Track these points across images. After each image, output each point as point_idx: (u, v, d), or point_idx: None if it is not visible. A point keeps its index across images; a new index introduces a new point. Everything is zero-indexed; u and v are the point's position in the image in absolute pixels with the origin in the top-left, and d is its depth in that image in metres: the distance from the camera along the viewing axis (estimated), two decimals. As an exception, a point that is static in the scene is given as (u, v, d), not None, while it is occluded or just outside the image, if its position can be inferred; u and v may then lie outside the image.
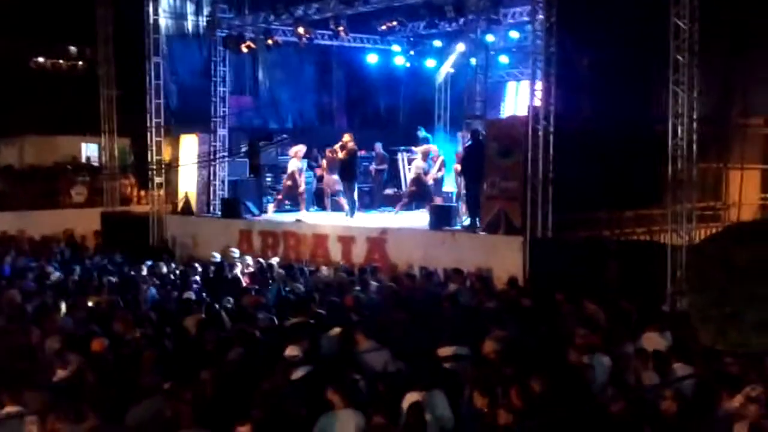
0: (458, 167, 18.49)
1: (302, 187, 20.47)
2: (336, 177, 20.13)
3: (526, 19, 17.54)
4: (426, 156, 20.07)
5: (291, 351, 9.09)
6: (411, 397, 7.67)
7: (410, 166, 21.13)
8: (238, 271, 16.13)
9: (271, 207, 20.87)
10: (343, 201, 19.77)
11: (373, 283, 14.49)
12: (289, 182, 20.41)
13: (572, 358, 9.02)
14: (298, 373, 8.59)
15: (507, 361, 8.71)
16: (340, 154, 19.45)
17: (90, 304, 12.96)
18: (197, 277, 15.54)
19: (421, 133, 22.96)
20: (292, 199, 20.79)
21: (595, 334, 9.90)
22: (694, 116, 13.47)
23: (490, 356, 9.14)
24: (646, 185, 15.13)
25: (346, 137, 19.49)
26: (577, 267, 13.87)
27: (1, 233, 22.25)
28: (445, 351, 9.44)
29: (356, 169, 19.69)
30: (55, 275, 15.98)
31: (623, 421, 7.37)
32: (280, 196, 20.95)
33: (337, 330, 10.26)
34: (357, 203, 19.63)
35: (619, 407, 7.45)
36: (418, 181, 19.57)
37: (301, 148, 20.54)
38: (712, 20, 13.78)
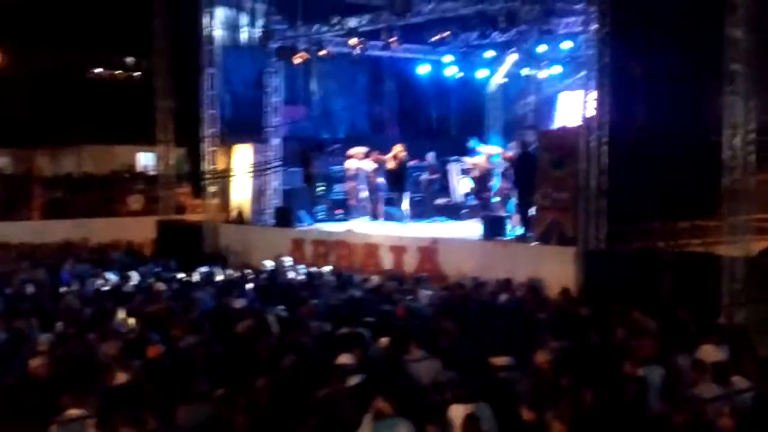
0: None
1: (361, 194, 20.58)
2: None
3: (579, 29, 17.46)
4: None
5: (344, 359, 9.15)
6: (457, 409, 7.67)
7: (464, 175, 21.20)
8: (290, 278, 16.27)
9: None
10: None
11: (425, 293, 14.50)
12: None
13: (627, 370, 8.95)
14: (351, 382, 8.64)
15: (561, 371, 8.66)
16: (391, 164, 19.49)
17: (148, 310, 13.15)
18: (250, 285, 15.70)
19: (473, 143, 22.95)
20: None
21: (650, 345, 9.80)
22: (751, 126, 13.28)
23: (543, 366, 9.10)
24: (702, 196, 14.90)
25: (398, 147, 19.54)
26: (631, 279, 13.74)
27: (62, 241, 22.70)
28: (498, 360, 9.44)
29: (407, 180, 19.61)
30: (113, 281, 16.28)
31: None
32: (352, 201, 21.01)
33: (388, 339, 10.30)
34: (407, 213, 19.54)
35: (682, 419, 7.34)
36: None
37: (359, 150, 20.57)
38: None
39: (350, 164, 20.56)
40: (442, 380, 8.88)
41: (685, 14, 14.57)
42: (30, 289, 15.53)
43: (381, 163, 20.18)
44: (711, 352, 9.83)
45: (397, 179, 19.50)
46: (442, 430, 7.45)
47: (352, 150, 20.71)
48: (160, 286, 15.54)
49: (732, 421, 7.43)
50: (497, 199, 19.61)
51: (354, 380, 8.70)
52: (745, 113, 13.22)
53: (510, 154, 18.97)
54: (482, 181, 19.68)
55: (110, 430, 7.45)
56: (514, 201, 18.06)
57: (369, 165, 20.44)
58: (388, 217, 20.30)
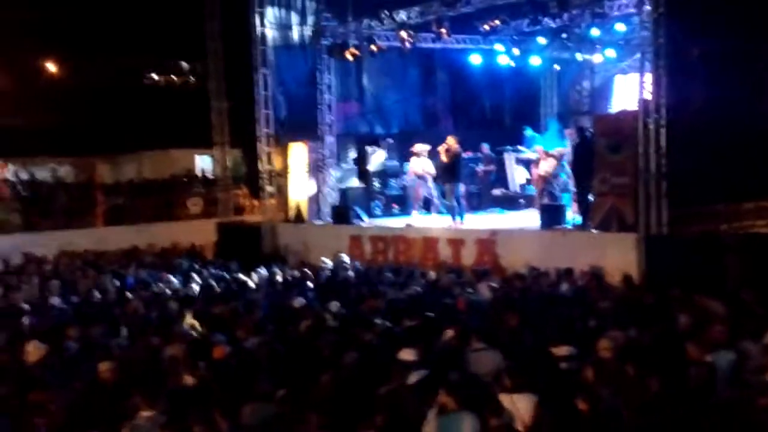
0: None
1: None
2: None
3: (632, 10, 17.20)
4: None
5: (406, 355, 9.13)
6: (519, 399, 7.61)
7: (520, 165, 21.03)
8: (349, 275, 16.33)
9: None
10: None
11: (485, 285, 14.41)
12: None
13: (693, 355, 8.78)
14: (413, 377, 8.62)
15: (625, 359, 8.53)
16: (444, 157, 19.26)
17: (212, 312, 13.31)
18: (310, 283, 15.78)
19: (528, 132, 22.77)
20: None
21: (719, 330, 9.60)
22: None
23: (605, 355, 8.97)
24: (764, 176, 14.59)
25: (450, 140, 19.35)
26: (695, 263, 13.50)
27: (125, 247, 23.09)
28: (560, 350, 9.34)
29: (460, 172, 19.37)
30: (176, 285, 16.52)
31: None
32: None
33: (450, 333, 10.27)
34: (462, 206, 19.37)
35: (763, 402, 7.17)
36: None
37: (423, 147, 20.40)
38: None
39: (415, 166, 20.35)
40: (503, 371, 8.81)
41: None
42: (96, 295, 15.83)
43: (434, 156, 19.98)
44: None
45: (450, 171, 19.23)
46: (505, 421, 7.40)
47: (416, 147, 20.45)
48: (222, 286, 15.74)
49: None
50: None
51: (416, 376, 8.68)
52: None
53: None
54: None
55: (181, 430, 7.55)
56: (571, 189, 17.83)
57: (429, 166, 20.23)
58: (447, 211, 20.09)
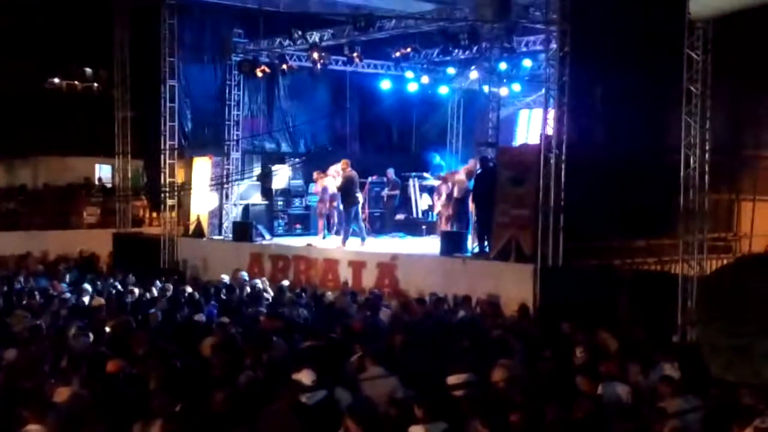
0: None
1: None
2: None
3: (539, 48, 17.66)
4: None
5: (304, 376, 9.07)
6: (433, 428, 7.68)
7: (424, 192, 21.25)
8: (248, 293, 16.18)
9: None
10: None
11: (383, 308, 14.48)
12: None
13: (583, 387, 9.00)
14: (313, 398, 8.59)
15: (515, 389, 8.69)
16: (338, 182, 19.31)
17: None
18: (207, 299, 15.57)
19: (437, 159, 23.05)
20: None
21: (609, 362, 9.87)
22: (707, 147, 13.50)
23: (498, 384, 9.12)
24: (658, 215, 15.12)
25: (343, 163, 19.47)
26: (588, 296, 13.86)
27: (16, 253, 22.34)
28: (454, 379, 9.43)
29: (352, 196, 19.20)
30: (67, 295, 16.05)
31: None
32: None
33: (354, 356, 10.26)
34: (358, 230, 19.34)
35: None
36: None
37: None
38: (725, 51, 13.81)
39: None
40: (400, 398, 8.85)
41: (644, 36, 14.80)
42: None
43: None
44: (667, 370, 9.95)
45: (344, 195, 19.28)
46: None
47: (331, 169, 20.38)
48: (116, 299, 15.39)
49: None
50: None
51: (315, 397, 8.65)
52: (701, 134, 13.43)
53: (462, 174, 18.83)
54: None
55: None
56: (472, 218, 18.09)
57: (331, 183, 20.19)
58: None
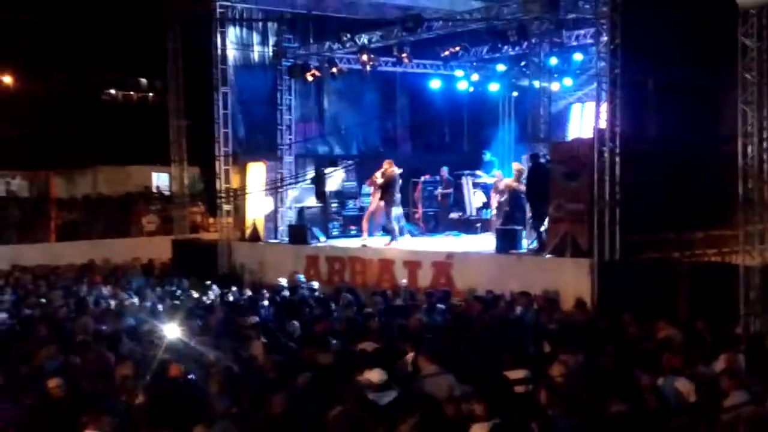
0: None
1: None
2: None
3: (589, 41, 17.51)
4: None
5: (373, 376, 9.10)
6: (479, 429, 7.68)
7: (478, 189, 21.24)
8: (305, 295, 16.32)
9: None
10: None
11: (439, 307, 14.50)
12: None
13: (644, 381, 8.91)
14: (384, 399, 8.64)
15: (576, 384, 8.64)
16: (379, 180, 19.40)
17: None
18: (265, 302, 15.73)
19: (487, 156, 22.98)
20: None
21: (671, 356, 9.75)
22: (764, 135, 13.24)
23: (557, 379, 9.07)
24: (716, 206, 14.87)
25: (386, 164, 19.53)
26: (647, 290, 13.72)
27: (78, 263, 22.78)
28: (515, 374, 9.41)
29: (394, 195, 19.31)
30: (130, 301, 16.36)
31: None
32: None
33: (409, 356, 10.29)
34: (401, 228, 19.46)
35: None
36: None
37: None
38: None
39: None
40: (458, 395, 8.85)
41: (696, 24, 14.58)
42: (45, 310, 15.64)
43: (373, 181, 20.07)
44: (729, 361, 9.80)
45: (385, 194, 19.34)
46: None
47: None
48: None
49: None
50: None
51: (387, 397, 8.70)
52: (759, 122, 13.18)
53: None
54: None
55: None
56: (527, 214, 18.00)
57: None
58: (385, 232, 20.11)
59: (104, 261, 23.24)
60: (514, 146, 23.17)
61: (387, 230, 19.50)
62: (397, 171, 19.66)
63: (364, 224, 20.12)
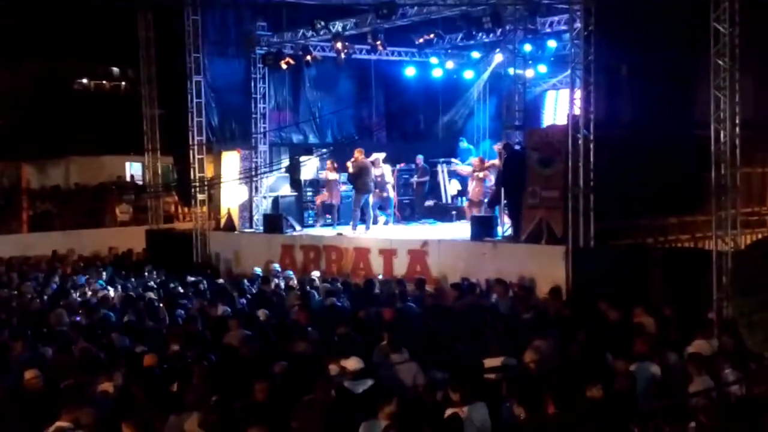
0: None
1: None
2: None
3: (563, 28, 17.52)
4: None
5: (350, 364, 9.10)
6: (473, 409, 7.72)
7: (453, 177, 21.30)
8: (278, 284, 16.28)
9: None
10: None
11: (415, 295, 14.51)
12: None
13: (618, 367, 8.97)
14: (359, 387, 8.65)
15: (548, 370, 8.68)
16: (351, 169, 19.46)
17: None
18: (240, 292, 15.68)
19: (463, 144, 22.97)
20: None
21: (642, 341, 9.82)
22: (737, 121, 13.33)
23: (530, 366, 9.12)
24: (689, 191, 14.97)
25: (356, 152, 19.58)
26: (621, 276, 13.78)
27: (51, 253, 22.62)
28: (491, 362, 9.45)
29: (364, 183, 19.32)
30: (103, 293, 16.24)
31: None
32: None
33: (383, 342, 10.31)
34: (368, 216, 19.51)
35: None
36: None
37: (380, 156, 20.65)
38: (753, 23, 13.62)
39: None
40: (422, 383, 8.91)
41: (669, 11, 14.62)
42: (17, 302, 15.51)
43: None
44: (702, 347, 9.89)
45: (354, 182, 19.42)
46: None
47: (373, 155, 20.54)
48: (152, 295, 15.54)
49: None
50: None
51: (363, 385, 8.71)
52: (731, 107, 13.26)
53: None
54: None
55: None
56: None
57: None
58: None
59: (76, 252, 23.04)
60: (489, 133, 23.18)
61: (356, 217, 19.43)
62: (378, 156, 19.89)
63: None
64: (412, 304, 13.80)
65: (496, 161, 18.72)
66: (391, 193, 21.08)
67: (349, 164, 19.56)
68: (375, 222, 19.86)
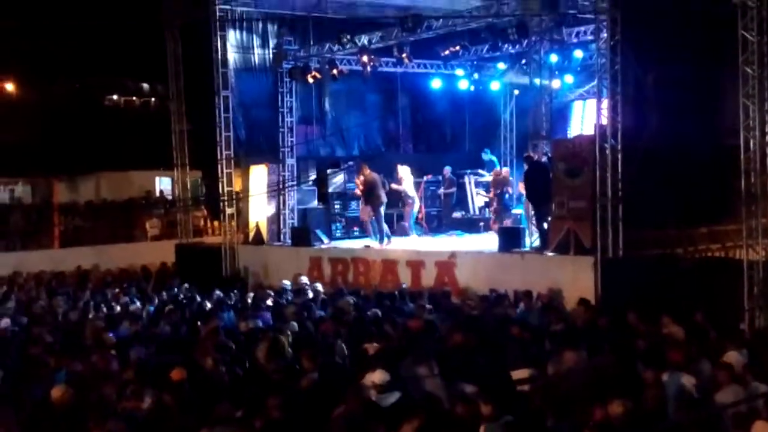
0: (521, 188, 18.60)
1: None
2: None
3: (590, 38, 17.46)
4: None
5: (377, 377, 9.09)
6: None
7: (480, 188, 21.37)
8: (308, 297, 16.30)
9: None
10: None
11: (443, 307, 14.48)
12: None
13: (648, 377, 8.88)
14: (387, 400, 8.63)
15: (578, 382, 8.62)
16: (360, 186, 19.60)
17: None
18: (269, 302, 15.72)
19: (486, 155, 22.94)
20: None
21: (674, 352, 9.72)
22: (766, 129, 13.21)
23: (558, 377, 9.06)
24: (719, 200, 14.84)
25: (364, 169, 19.70)
26: (651, 286, 13.67)
27: (81, 268, 22.83)
28: (519, 374, 9.40)
29: (377, 197, 19.44)
30: (134, 307, 16.36)
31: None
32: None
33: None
34: (385, 230, 19.60)
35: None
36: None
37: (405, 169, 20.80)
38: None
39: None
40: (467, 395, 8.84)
41: (696, 19, 14.54)
42: (51, 317, 15.65)
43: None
44: (733, 357, 9.76)
45: (368, 198, 19.56)
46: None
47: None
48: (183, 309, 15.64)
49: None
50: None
51: (391, 398, 8.69)
52: (761, 115, 13.15)
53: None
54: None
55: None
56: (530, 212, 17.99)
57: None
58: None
59: (107, 266, 23.24)
60: (515, 145, 23.10)
61: (379, 232, 19.52)
62: (401, 170, 20.09)
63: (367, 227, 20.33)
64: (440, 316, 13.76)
65: (505, 170, 18.73)
66: (416, 206, 21.09)
67: (357, 182, 19.72)
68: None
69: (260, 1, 21.61)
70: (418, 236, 20.93)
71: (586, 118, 21.87)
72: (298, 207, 21.81)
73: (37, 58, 30.85)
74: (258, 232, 22.00)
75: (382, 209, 19.63)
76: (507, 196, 20.24)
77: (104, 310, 16.16)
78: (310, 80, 21.19)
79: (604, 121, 14.89)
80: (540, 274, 15.42)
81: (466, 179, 22.24)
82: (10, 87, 33.27)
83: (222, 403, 8.68)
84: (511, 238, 17.10)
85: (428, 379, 9.33)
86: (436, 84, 22.84)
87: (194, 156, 23.96)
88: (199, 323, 13.87)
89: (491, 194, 20.08)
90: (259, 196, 21.96)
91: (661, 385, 8.67)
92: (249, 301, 16.75)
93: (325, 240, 20.69)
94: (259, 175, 22.20)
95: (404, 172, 20.85)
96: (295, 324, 13.07)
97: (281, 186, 21.82)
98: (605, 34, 14.97)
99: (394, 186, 20.46)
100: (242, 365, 10.80)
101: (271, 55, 22.33)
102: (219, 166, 21.86)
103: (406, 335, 11.84)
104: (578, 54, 19.42)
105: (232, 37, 22.03)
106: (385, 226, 19.67)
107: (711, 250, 15.51)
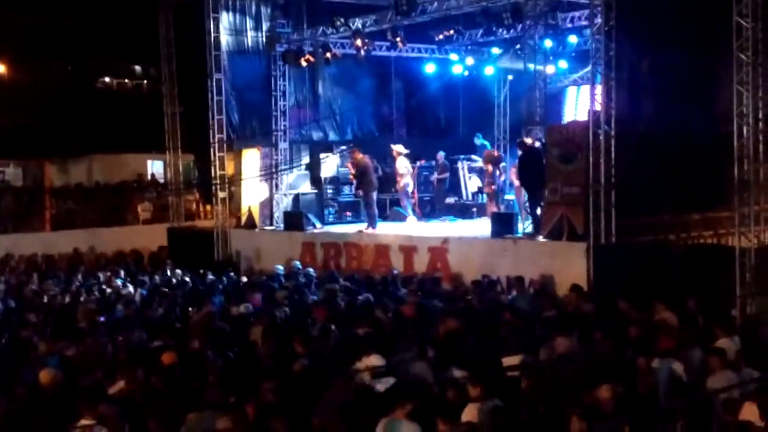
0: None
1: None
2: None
3: (584, 23, 17.40)
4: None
5: (372, 361, 9.08)
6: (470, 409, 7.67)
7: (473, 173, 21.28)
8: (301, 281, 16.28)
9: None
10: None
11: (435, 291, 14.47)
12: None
13: (640, 364, 8.89)
14: (381, 386, 8.63)
15: (570, 368, 8.62)
16: (352, 170, 19.51)
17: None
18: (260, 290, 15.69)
19: (479, 140, 22.87)
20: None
21: (665, 338, 9.72)
22: (760, 116, 13.18)
23: (548, 363, 9.06)
24: (712, 187, 14.81)
25: (355, 153, 19.65)
26: (643, 272, 13.66)
27: (73, 251, 22.78)
28: (510, 360, 9.40)
29: (370, 181, 19.48)
30: (126, 290, 16.33)
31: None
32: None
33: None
34: (377, 214, 19.63)
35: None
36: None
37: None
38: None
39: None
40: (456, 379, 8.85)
41: (691, 6, 14.49)
42: (42, 300, 15.60)
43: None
44: (724, 344, 9.77)
45: (360, 182, 19.56)
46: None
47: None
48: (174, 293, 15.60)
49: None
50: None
51: (385, 384, 8.69)
52: (754, 103, 13.12)
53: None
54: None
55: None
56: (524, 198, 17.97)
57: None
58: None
59: (98, 250, 23.18)
60: (509, 130, 23.06)
61: (368, 216, 19.52)
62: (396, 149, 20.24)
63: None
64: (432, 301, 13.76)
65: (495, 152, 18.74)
66: (409, 188, 21.05)
67: (349, 165, 19.68)
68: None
69: (253, -16, 21.51)
70: (417, 220, 20.85)
71: (580, 103, 21.82)
72: (291, 191, 21.74)
73: (29, 40, 30.63)
74: (250, 216, 21.95)
75: (374, 194, 19.58)
76: (498, 174, 20.07)
77: (96, 293, 16.13)
78: (304, 64, 21.08)
79: (598, 107, 14.84)
80: (532, 260, 15.42)
81: (459, 165, 22.19)
82: (1, 69, 33.05)
83: (212, 388, 8.68)
84: (503, 224, 17.09)
85: (419, 364, 9.32)
86: (430, 68, 22.74)
87: (186, 139, 23.91)
88: (190, 309, 13.85)
89: (487, 169, 19.88)
90: (252, 180, 21.89)
91: (653, 371, 8.67)
92: (241, 285, 16.74)
93: (318, 225, 20.65)
94: (251, 158, 22.12)
95: (398, 148, 20.75)
96: (286, 308, 13.05)
97: (274, 170, 21.73)
98: (600, 20, 14.89)
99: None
100: (233, 349, 10.76)
101: (264, 38, 22.18)
102: (211, 150, 21.80)
103: (398, 320, 11.82)
104: (573, 39, 19.38)
105: (225, 19, 21.87)
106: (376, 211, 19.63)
107: (704, 236, 15.51)
